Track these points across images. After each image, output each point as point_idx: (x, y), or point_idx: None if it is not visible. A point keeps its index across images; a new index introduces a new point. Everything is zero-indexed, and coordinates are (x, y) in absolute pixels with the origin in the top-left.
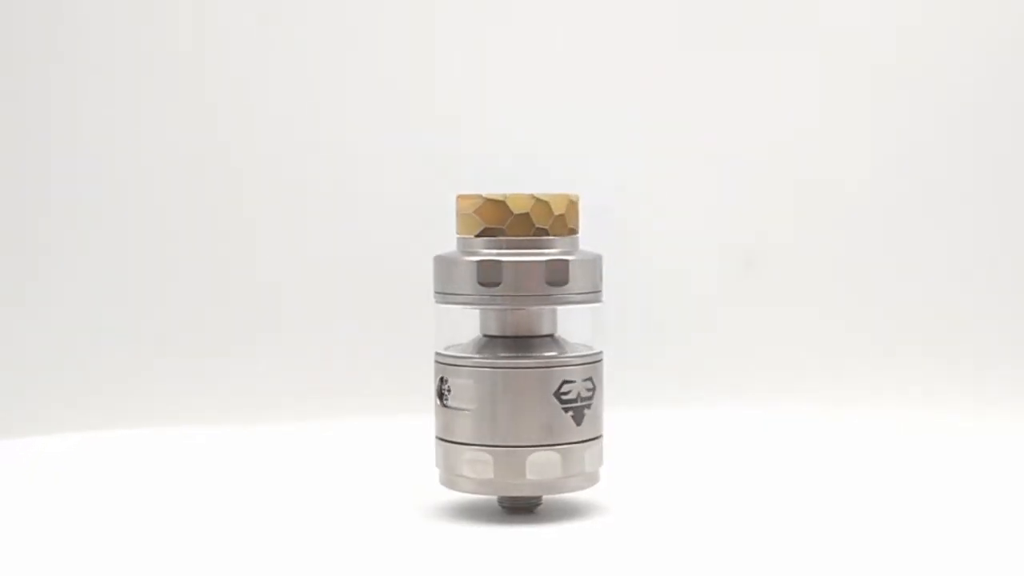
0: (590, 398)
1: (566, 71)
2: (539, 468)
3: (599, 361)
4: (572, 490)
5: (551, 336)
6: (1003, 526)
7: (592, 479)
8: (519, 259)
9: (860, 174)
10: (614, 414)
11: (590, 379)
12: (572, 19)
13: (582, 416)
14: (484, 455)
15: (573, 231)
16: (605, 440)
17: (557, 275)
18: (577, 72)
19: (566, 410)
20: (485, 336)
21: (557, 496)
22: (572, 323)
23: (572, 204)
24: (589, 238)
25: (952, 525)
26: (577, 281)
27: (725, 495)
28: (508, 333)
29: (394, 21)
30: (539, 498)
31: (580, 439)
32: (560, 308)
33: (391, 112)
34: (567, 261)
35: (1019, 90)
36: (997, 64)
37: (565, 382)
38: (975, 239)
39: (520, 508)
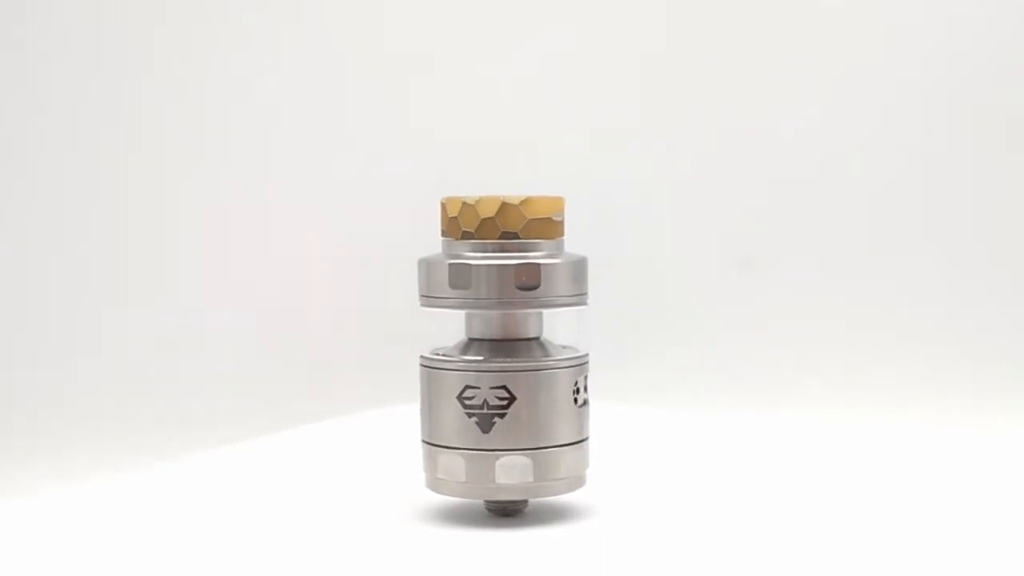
0: (502, 408)
1: (563, 71)
2: (447, 469)
3: (524, 371)
4: (482, 498)
5: (536, 339)
6: (1003, 526)
7: (512, 492)
8: (430, 261)
9: (859, 173)
10: (609, 415)
11: (503, 387)
12: (571, 19)
13: (490, 424)
14: (422, 449)
15: (511, 235)
16: (593, 442)
17: (458, 279)
18: (573, 72)
19: (469, 415)
20: (468, 339)
21: (545, 499)
22: (557, 326)
23: (508, 207)
24: (589, 239)
25: (952, 525)
26: (477, 286)
27: (718, 497)
28: (485, 336)
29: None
30: (524, 501)
31: (488, 448)
32: (545, 311)
33: (391, 110)
34: (469, 266)
35: (1020, 90)
36: (996, 65)
37: (468, 387)
38: (976, 239)
39: (501, 511)
